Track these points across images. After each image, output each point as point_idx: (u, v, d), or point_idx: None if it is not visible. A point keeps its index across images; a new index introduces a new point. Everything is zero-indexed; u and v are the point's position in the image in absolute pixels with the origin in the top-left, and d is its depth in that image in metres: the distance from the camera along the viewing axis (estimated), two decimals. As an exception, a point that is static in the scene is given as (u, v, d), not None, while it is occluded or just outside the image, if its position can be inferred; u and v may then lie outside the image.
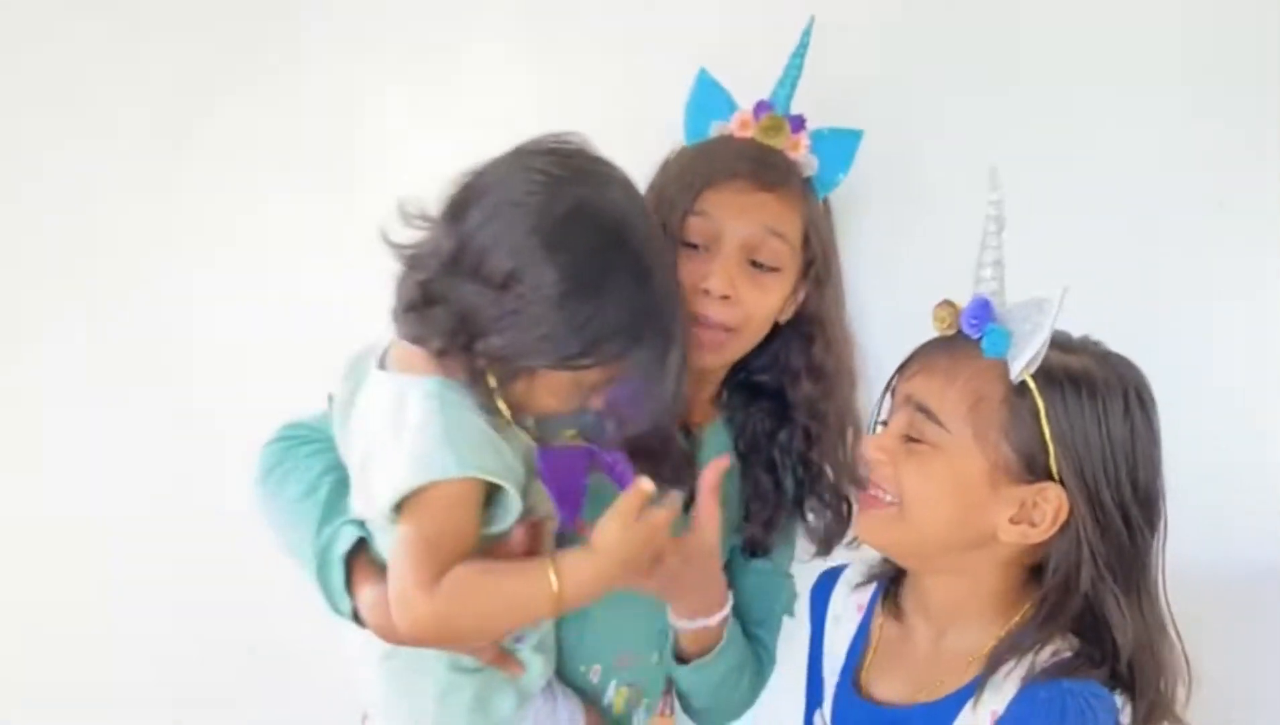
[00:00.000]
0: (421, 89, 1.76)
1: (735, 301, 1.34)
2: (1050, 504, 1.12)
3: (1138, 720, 1.13)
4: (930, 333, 1.45)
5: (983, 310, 1.16)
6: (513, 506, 1.15)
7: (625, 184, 1.17)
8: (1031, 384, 1.12)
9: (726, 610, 1.36)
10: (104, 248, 1.84)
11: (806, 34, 1.42)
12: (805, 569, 1.47)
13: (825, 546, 1.51)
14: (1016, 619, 1.17)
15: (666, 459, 1.29)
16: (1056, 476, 1.12)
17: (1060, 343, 1.15)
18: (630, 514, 1.12)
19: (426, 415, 1.12)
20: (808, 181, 1.41)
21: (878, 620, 1.29)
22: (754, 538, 1.47)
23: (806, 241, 1.39)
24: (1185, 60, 1.54)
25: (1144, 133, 1.54)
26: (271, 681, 1.88)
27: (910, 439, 1.17)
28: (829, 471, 1.47)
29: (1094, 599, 1.12)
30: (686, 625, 1.35)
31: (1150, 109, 1.54)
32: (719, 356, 1.39)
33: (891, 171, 1.56)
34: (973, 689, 1.15)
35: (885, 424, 1.25)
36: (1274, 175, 1.49)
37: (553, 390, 1.16)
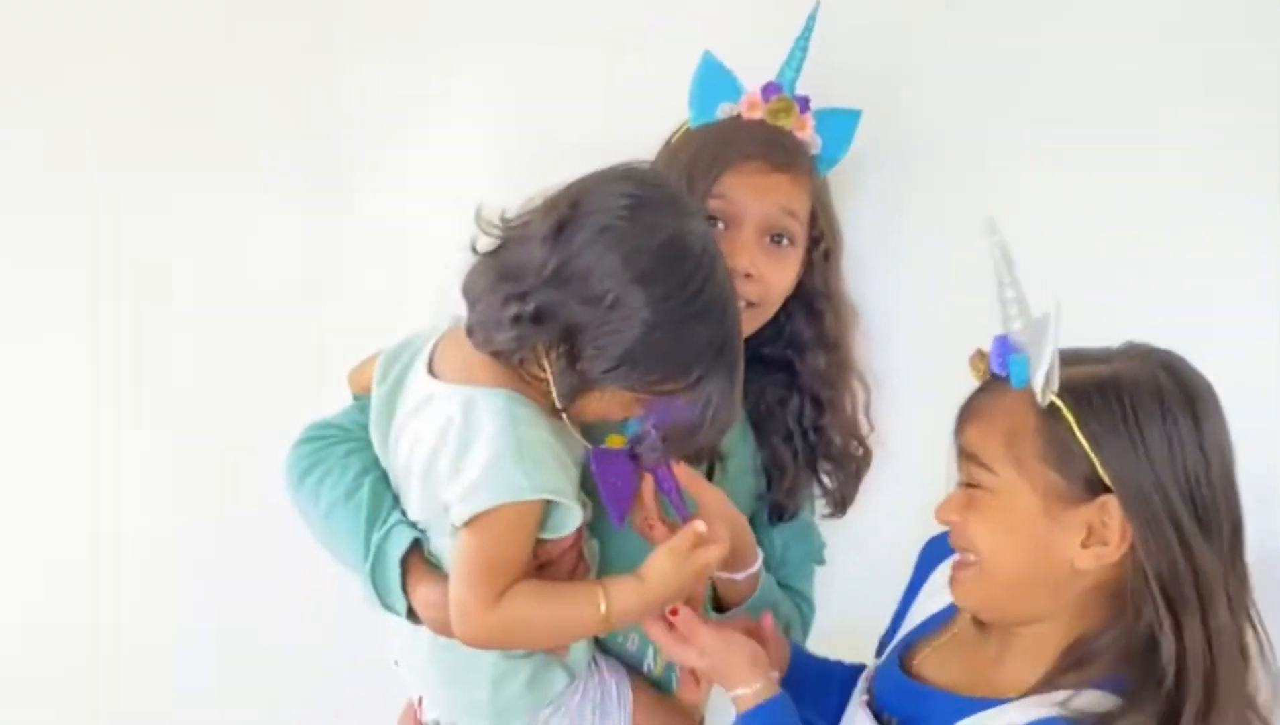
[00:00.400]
0: (411, 86, 1.76)
1: (757, 278, 1.42)
2: (1114, 517, 1.09)
3: None
4: (927, 322, 1.64)
5: (1003, 347, 1.15)
6: (573, 520, 1.24)
7: (702, 215, 1.24)
8: (1059, 403, 1.10)
9: (757, 566, 1.42)
10: (106, 243, 1.83)
11: (812, 17, 1.47)
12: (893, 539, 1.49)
13: (840, 507, 1.60)
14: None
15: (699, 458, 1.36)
16: (1112, 488, 1.09)
17: (1090, 356, 1.14)
18: (683, 552, 1.23)
19: (499, 432, 1.18)
20: (813, 160, 1.48)
21: (962, 617, 1.27)
22: (779, 503, 1.55)
23: (814, 217, 1.47)
24: (1188, 51, 1.57)
25: (1150, 120, 1.58)
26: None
27: (971, 487, 1.16)
28: (838, 434, 1.56)
29: (1150, 621, 1.09)
30: (720, 576, 1.40)
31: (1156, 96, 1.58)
32: (744, 331, 1.41)
33: (886, 152, 1.63)
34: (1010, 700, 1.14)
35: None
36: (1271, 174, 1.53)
37: (617, 404, 1.22)
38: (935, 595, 1.31)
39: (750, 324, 1.44)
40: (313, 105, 1.77)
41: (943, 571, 1.28)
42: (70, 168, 1.80)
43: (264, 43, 1.77)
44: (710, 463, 1.46)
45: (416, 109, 1.76)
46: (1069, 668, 1.12)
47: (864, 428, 1.59)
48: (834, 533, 1.63)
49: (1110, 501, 1.09)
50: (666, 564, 1.22)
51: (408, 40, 1.75)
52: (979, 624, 1.24)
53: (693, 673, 1.36)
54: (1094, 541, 1.10)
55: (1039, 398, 1.10)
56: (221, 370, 1.83)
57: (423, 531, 1.29)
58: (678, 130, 1.50)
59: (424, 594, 1.28)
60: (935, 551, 1.35)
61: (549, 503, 1.21)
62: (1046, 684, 1.12)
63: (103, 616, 1.92)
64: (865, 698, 1.28)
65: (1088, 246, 1.61)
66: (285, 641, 1.90)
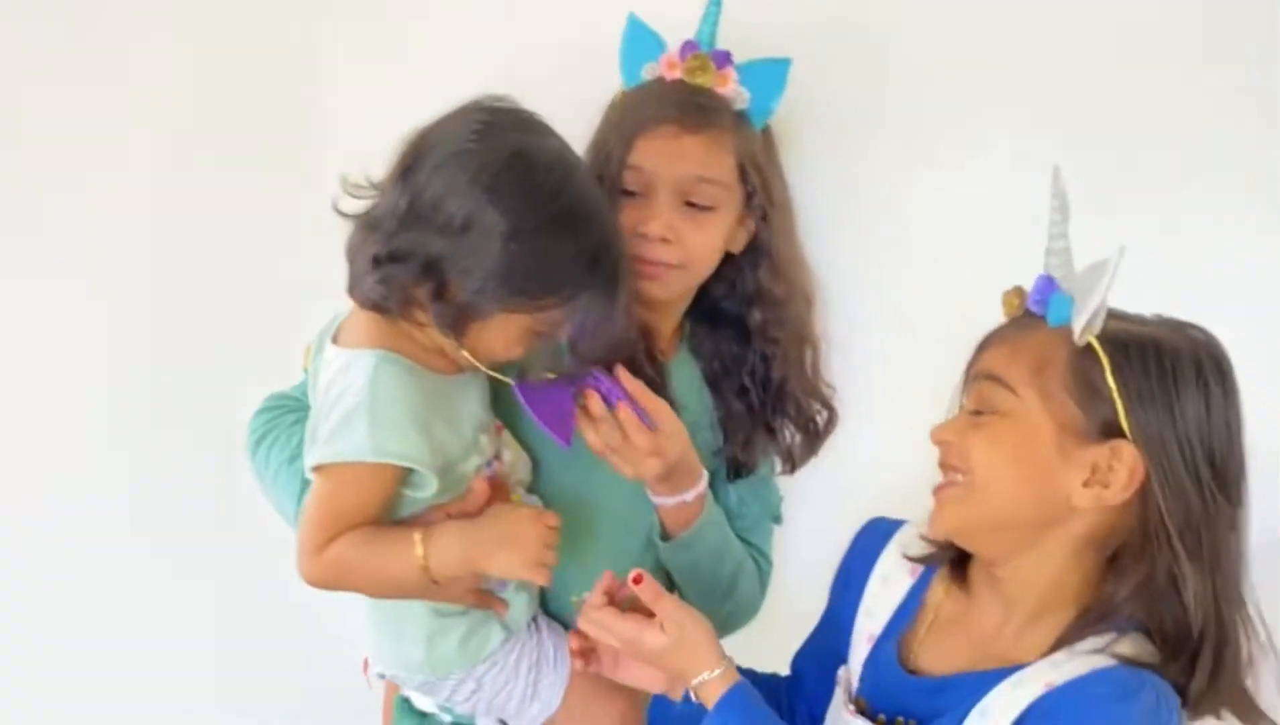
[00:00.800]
0: (378, 64, 1.75)
1: (675, 242, 1.41)
2: (1124, 463, 1.10)
3: (1190, 702, 1.11)
4: (883, 277, 1.65)
5: (1047, 286, 1.15)
6: (428, 483, 1.23)
7: (559, 136, 1.26)
8: (1097, 345, 1.11)
9: (702, 487, 1.42)
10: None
11: None
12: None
13: (791, 464, 1.60)
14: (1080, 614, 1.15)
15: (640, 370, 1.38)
16: (1129, 436, 1.10)
17: (1131, 318, 1.15)
18: (524, 512, 1.28)
19: (357, 391, 1.21)
20: (741, 115, 1.45)
21: (938, 591, 1.26)
22: (735, 458, 1.55)
23: (744, 175, 1.44)
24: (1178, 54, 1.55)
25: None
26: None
27: (977, 413, 1.16)
28: (795, 392, 1.55)
29: (1171, 574, 1.10)
30: (666, 502, 1.41)
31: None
32: (665, 288, 1.44)
33: (836, 102, 1.62)
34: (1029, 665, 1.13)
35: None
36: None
37: (509, 336, 1.24)
38: (891, 583, 1.29)
39: (680, 285, 1.46)
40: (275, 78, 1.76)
41: (892, 555, 1.30)
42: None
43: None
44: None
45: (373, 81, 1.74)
46: (1094, 620, 1.12)
47: (826, 390, 1.59)
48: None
49: (1123, 447, 1.10)
50: (503, 513, 1.25)
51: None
52: (956, 597, 1.24)
53: (588, 654, 1.30)
54: (1095, 482, 1.11)
55: (1077, 336, 1.11)
56: (219, 370, 1.82)
57: None
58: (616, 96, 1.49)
59: None
60: (871, 539, 1.33)
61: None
62: (1074, 637, 1.12)
63: (97, 620, 1.92)
64: (852, 707, 1.24)
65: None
66: (282, 642, 1.90)
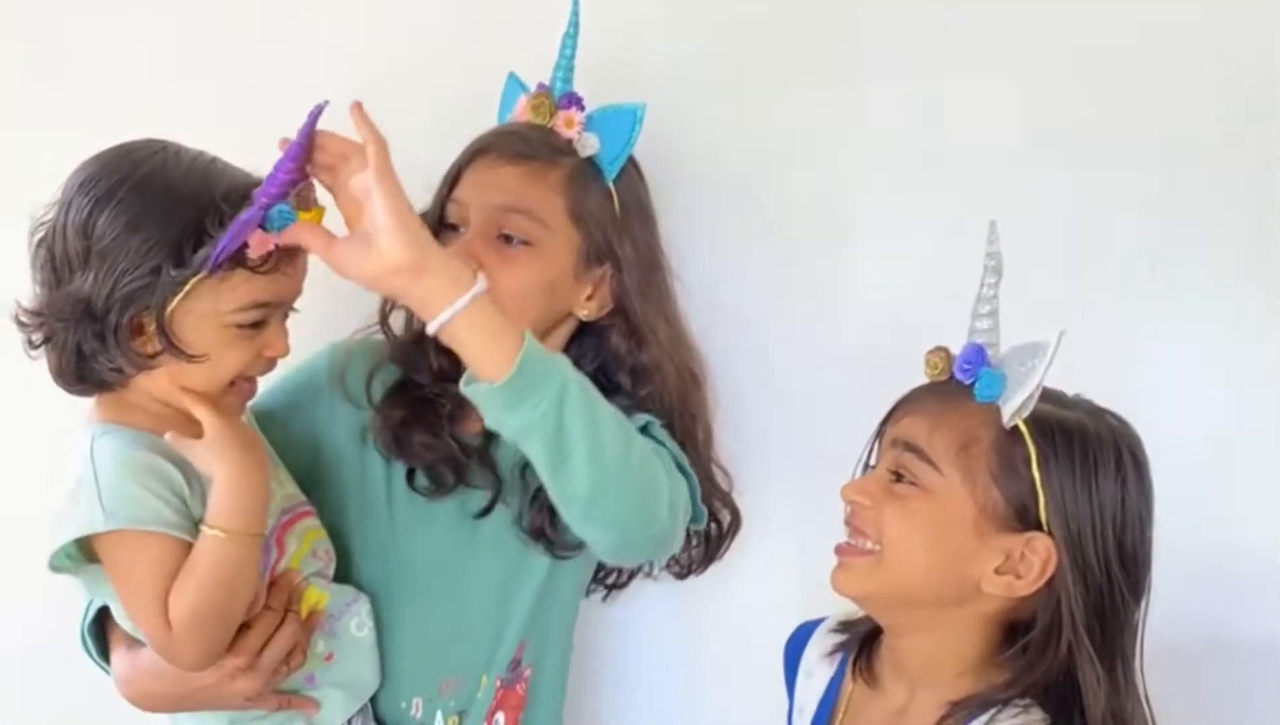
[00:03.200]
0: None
1: (482, 273, 1.23)
2: (1039, 555, 1.10)
3: None
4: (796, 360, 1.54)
5: (977, 356, 1.13)
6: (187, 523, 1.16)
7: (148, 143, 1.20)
8: (1024, 429, 1.10)
9: (481, 285, 1.09)
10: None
11: (574, 13, 1.37)
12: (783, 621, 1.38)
13: (682, 571, 1.47)
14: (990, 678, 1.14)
15: None
16: (1045, 528, 1.10)
17: (1053, 398, 1.14)
18: (213, 427, 1.17)
19: (81, 474, 1.16)
20: (591, 162, 1.34)
21: (848, 680, 1.25)
22: (536, 524, 1.32)
23: (579, 222, 1.32)
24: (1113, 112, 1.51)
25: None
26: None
27: (897, 479, 1.14)
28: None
29: (1070, 661, 1.11)
30: (444, 319, 1.08)
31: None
32: None
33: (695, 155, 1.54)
34: None
35: (870, 468, 1.21)
36: (1208, 234, 1.49)
37: (208, 326, 1.16)
38: (814, 678, 1.29)
39: None
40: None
41: (814, 651, 1.29)
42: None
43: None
44: (495, 492, 1.32)
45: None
46: (990, 703, 1.12)
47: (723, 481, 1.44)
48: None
49: (1038, 539, 1.10)
50: (211, 454, 1.16)
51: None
52: (863, 683, 1.23)
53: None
54: (1008, 570, 1.11)
55: (1006, 420, 1.10)
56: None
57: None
58: None
59: (116, 664, 1.28)
60: (797, 641, 1.33)
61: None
62: (971, 710, 1.12)
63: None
64: None
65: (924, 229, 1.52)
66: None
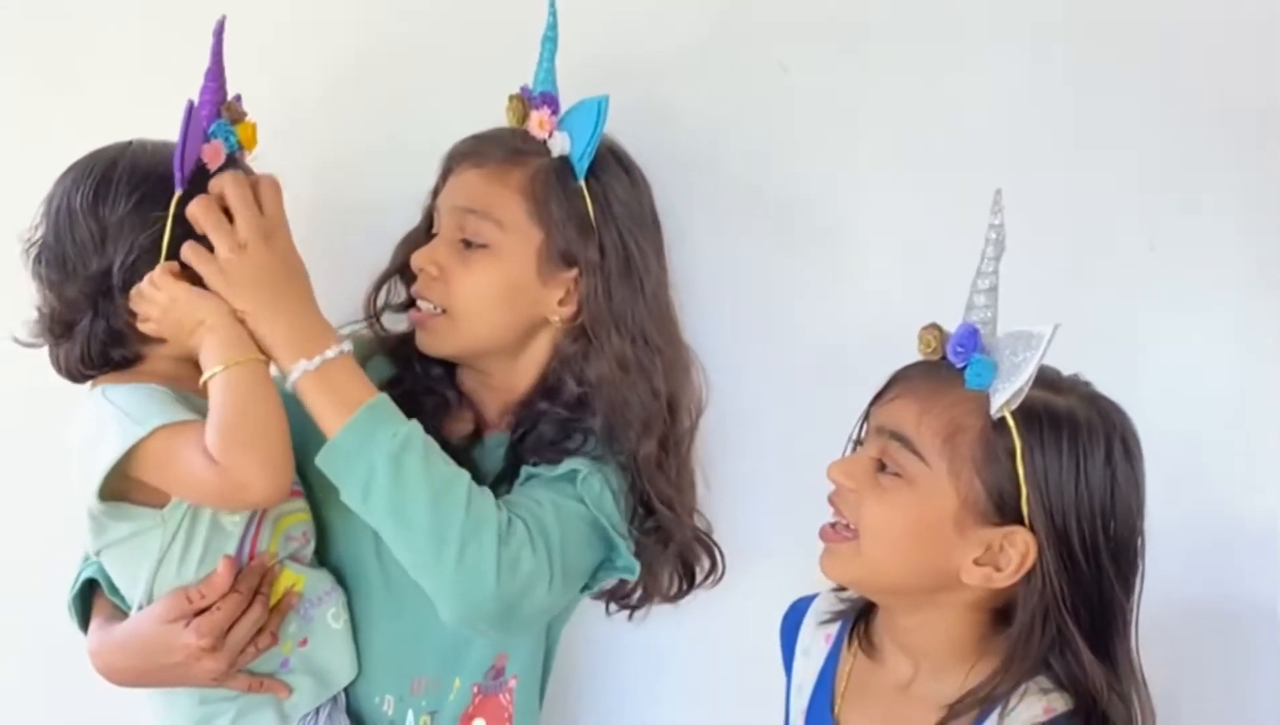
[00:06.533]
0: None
1: (442, 279, 1.30)
2: (1017, 549, 1.09)
3: None
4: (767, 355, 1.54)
5: (970, 338, 1.11)
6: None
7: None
8: (1010, 421, 1.08)
9: (344, 347, 1.19)
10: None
11: (552, 14, 1.37)
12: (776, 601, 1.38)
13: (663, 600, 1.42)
14: (983, 666, 1.13)
15: None
16: (1026, 521, 1.09)
17: (1047, 380, 1.12)
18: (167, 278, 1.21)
19: (100, 414, 1.21)
20: (563, 161, 1.32)
21: (847, 653, 1.25)
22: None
23: (541, 221, 1.30)
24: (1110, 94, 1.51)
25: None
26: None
27: (882, 467, 1.13)
28: (661, 517, 1.30)
29: (1061, 647, 1.11)
30: (295, 372, 1.18)
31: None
32: (434, 338, 1.32)
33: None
34: None
35: (859, 445, 1.20)
36: (1207, 211, 1.49)
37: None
38: (811, 655, 1.28)
39: (451, 337, 1.31)
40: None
41: (809, 627, 1.29)
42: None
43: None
44: None
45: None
46: (978, 698, 1.12)
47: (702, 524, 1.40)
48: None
49: (1017, 533, 1.09)
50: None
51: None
52: (864, 654, 1.23)
53: None
54: (987, 562, 1.10)
55: (994, 411, 1.09)
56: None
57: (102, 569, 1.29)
58: None
59: (90, 633, 1.31)
60: (792, 620, 1.33)
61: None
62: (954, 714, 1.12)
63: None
64: None
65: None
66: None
